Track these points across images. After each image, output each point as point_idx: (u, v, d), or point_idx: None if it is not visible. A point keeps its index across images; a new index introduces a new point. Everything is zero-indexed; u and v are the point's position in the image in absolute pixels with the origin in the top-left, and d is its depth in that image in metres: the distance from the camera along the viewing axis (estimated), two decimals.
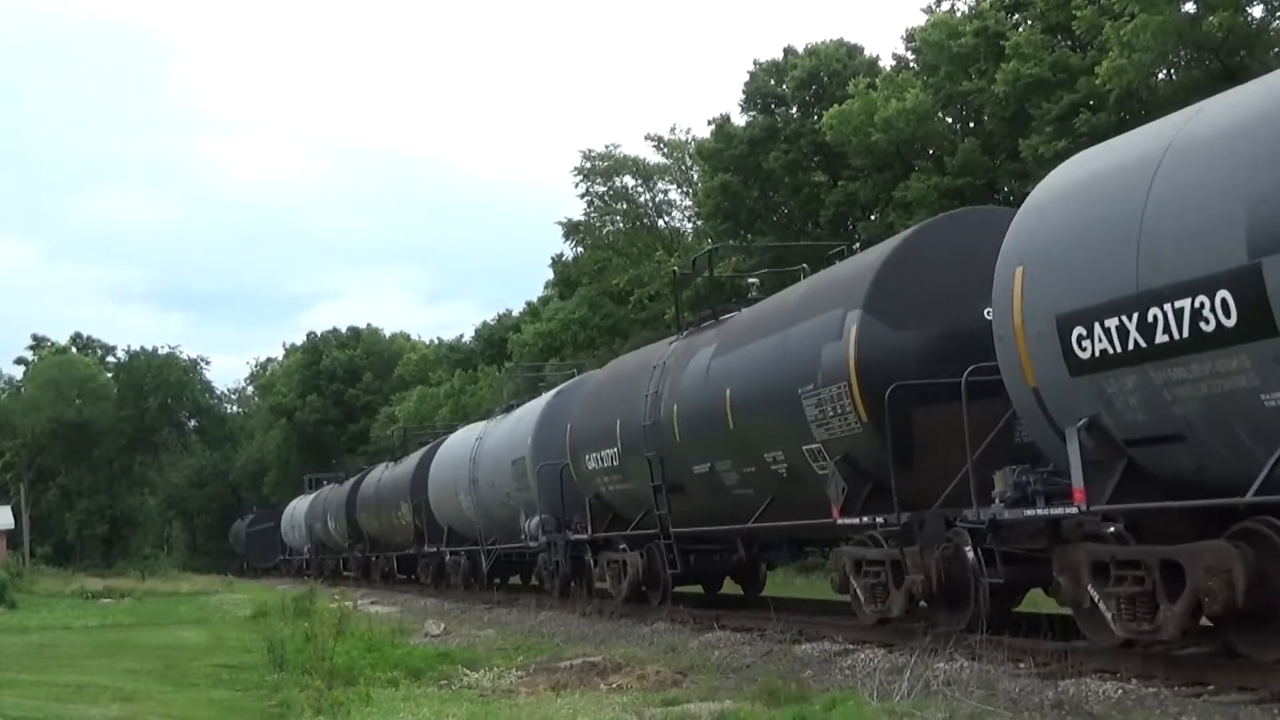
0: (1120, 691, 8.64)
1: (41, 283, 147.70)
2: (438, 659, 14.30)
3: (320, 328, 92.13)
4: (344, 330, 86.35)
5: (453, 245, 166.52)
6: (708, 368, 15.29)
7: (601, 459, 18.75)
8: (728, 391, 14.42)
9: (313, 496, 51.65)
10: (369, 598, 31.66)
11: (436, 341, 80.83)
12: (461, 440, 28.90)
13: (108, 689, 13.24)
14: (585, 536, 19.87)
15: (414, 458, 33.40)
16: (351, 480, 43.30)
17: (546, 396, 23.49)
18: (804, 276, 15.63)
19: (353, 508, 40.44)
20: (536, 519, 21.44)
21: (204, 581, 51.65)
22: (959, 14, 32.02)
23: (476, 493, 25.81)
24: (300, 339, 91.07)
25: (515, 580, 28.77)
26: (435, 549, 30.28)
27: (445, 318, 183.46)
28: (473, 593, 27.52)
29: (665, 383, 16.51)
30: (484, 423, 28.33)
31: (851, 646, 12.21)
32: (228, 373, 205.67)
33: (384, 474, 37.18)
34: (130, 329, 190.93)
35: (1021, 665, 9.95)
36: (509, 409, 26.42)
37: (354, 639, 15.06)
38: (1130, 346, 8.42)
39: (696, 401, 15.44)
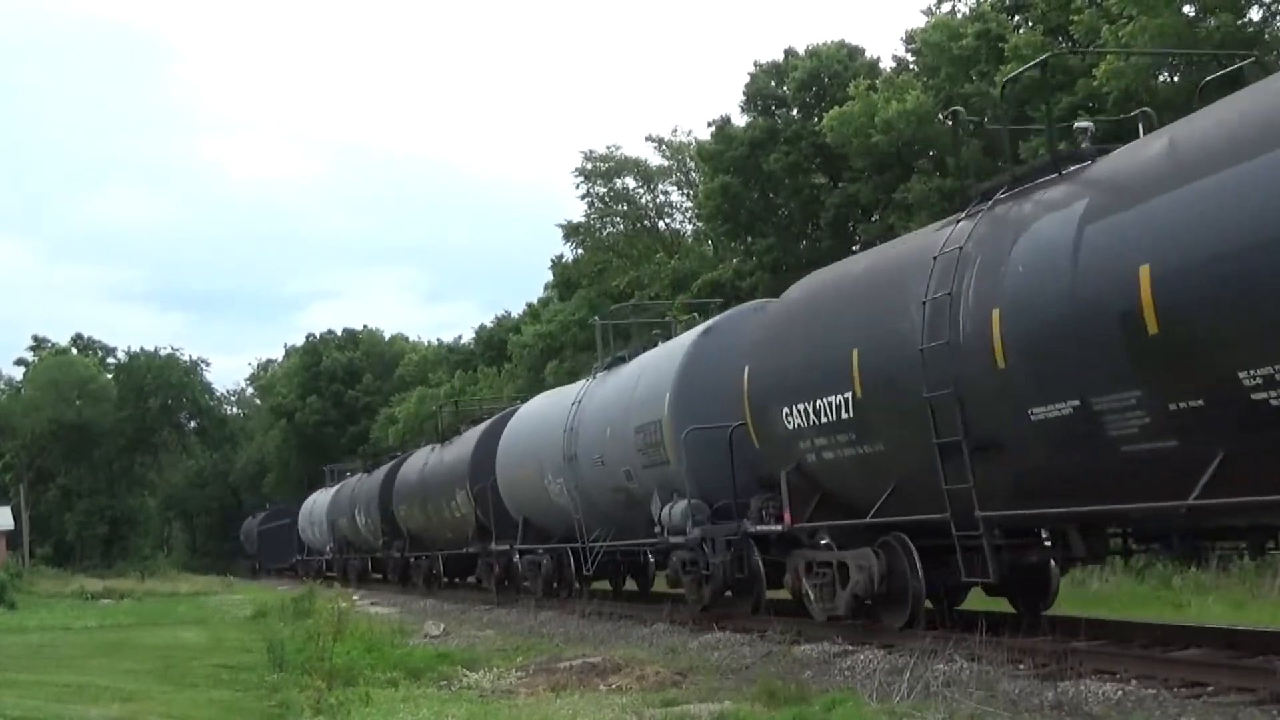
0: (1120, 692, 8.64)
1: (41, 283, 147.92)
2: (437, 659, 14.33)
3: (319, 328, 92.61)
4: (343, 331, 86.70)
5: (452, 245, 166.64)
6: (1076, 240, 9.42)
7: (814, 412, 12.86)
8: (1143, 272, 8.68)
9: (335, 489, 46.15)
10: (368, 598, 31.66)
11: (436, 343, 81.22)
12: (549, 407, 22.94)
13: (107, 689, 13.27)
14: (781, 528, 13.93)
15: (472, 435, 27.45)
16: (385, 467, 37.47)
17: (689, 336, 17.47)
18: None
19: (388, 499, 34.80)
20: (682, 505, 15.95)
21: (203, 582, 51.69)
22: (959, 16, 32.11)
23: (575, 473, 20.10)
24: (300, 339, 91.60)
25: (602, 585, 23.10)
26: (506, 546, 24.70)
27: (445, 318, 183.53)
28: (561, 601, 21.84)
29: (965, 279, 10.62)
30: (580, 383, 22.31)
31: (851, 648, 12.18)
32: (227, 373, 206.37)
33: (430, 458, 31.04)
34: (130, 329, 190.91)
35: (1021, 666, 9.94)
36: (614, 363, 20.49)
37: (354, 639, 15.10)
38: None
39: (1051, 299, 9.56)
